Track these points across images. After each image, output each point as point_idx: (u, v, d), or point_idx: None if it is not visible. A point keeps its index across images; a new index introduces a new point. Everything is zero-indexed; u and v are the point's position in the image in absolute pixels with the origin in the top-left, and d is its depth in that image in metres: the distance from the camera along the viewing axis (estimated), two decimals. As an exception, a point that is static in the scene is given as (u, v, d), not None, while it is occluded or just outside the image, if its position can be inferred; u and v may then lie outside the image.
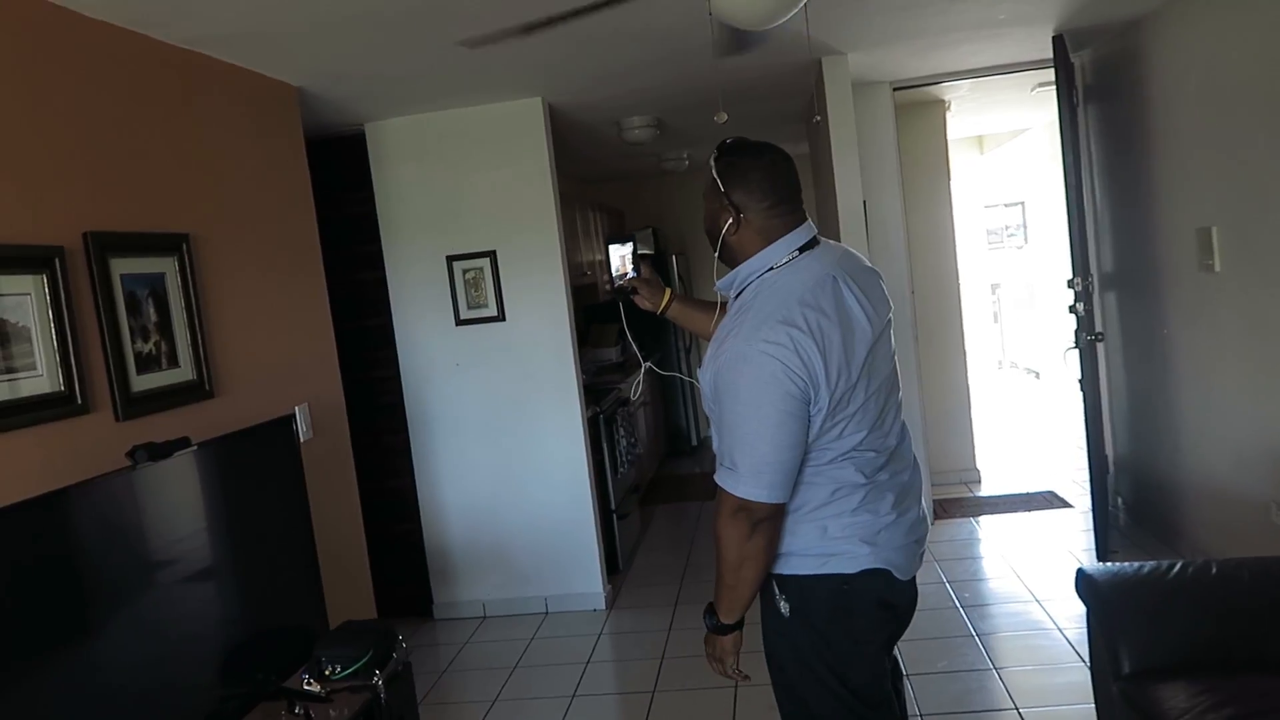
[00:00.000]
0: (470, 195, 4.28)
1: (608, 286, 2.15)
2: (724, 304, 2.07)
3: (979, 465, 5.84)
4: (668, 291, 2.19)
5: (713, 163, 1.75)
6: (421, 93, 3.88)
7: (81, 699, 1.73)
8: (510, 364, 4.32)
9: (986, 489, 5.64)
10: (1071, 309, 4.10)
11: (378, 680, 2.24)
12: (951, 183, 5.91)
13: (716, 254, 1.80)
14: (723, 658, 1.80)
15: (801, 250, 1.72)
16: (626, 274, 2.18)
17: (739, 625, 1.76)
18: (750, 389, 1.61)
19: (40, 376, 2.10)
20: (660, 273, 7.30)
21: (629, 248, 2.19)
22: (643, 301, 2.16)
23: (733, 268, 1.79)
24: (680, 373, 7.37)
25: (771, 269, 1.71)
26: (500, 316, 4.28)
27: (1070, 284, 4.10)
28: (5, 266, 2.02)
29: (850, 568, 1.70)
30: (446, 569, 4.47)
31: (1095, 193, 4.67)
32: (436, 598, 4.48)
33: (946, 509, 5.22)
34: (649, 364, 2.45)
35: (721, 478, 1.66)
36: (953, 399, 5.75)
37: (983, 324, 9.23)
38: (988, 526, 4.94)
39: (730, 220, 1.72)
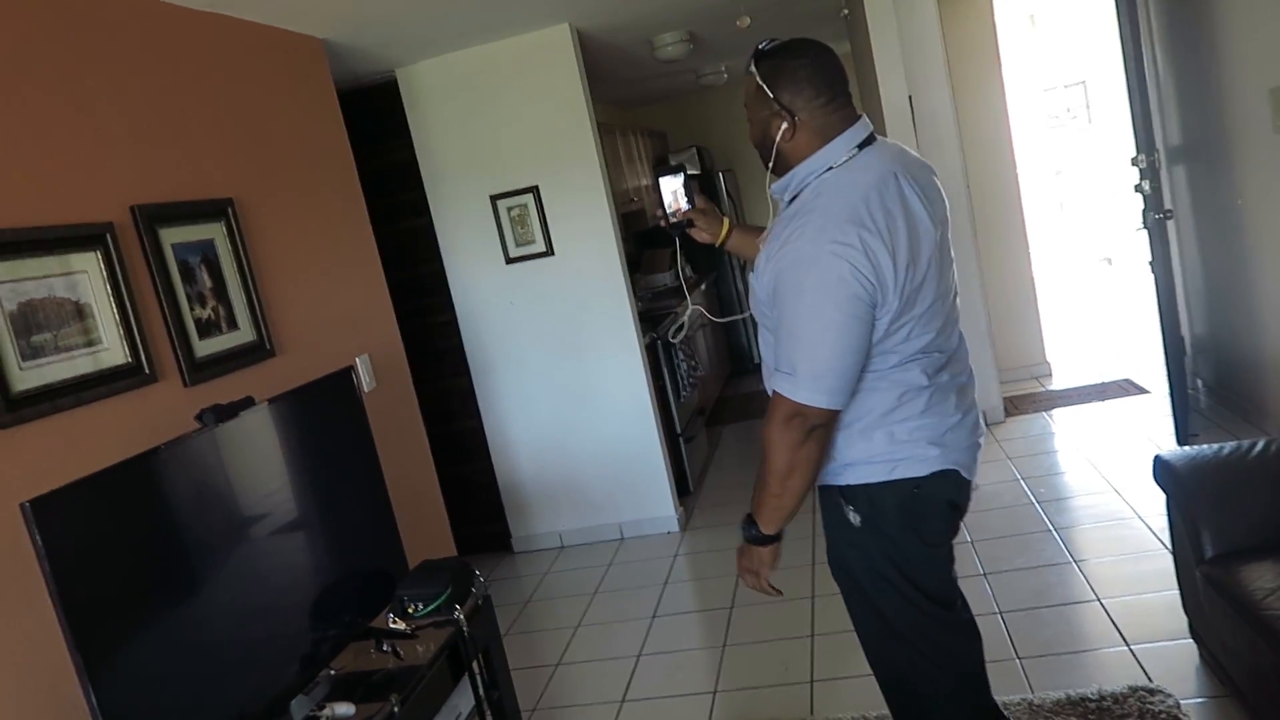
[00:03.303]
0: (507, 131, 4.24)
1: (662, 223, 2.10)
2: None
3: (1049, 359, 5.71)
4: (726, 221, 2.08)
5: (755, 69, 1.66)
6: (447, 32, 3.83)
7: (191, 651, 1.82)
8: (563, 298, 4.32)
9: (1058, 382, 5.51)
10: (1137, 188, 3.92)
11: (459, 615, 2.31)
12: (1003, 68, 5.65)
13: (770, 167, 1.72)
14: (759, 569, 1.74)
15: (860, 147, 1.65)
16: (680, 208, 2.04)
17: (779, 537, 1.72)
18: (816, 291, 1.56)
19: (107, 350, 2.17)
20: (708, 192, 7.24)
21: (679, 179, 2.04)
22: (700, 234, 2.05)
23: (785, 172, 1.73)
24: (735, 313, 7.24)
25: (831, 168, 1.64)
26: (549, 251, 4.27)
27: (1134, 161, 3.92)
28: (60, 247, 2.08)
29: (920, 470, 1.68)
30: (521, 504, 4.57)
31: (1157, 61, 4.42)
32: (514, 532, 4.60)
33: (1017, 405, 5.13)
34: (697, 307, 2.38)
35: (778, 383, 1.61)
36: (1018, 293, 5.60)
37: (1047, 212, 8.91)
38: (1061, 420, 4.84)
39: (785, 125, 1.64)
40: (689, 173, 2.07)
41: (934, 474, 1.69)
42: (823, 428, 1.62)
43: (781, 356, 1.61)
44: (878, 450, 1.68)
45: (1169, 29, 4.24)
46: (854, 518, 1.72)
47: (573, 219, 4.26)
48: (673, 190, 2.03)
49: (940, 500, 1.72)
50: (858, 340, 1.57)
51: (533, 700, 3.04)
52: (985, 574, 3.26)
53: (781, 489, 1.65)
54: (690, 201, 2.03)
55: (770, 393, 1.66)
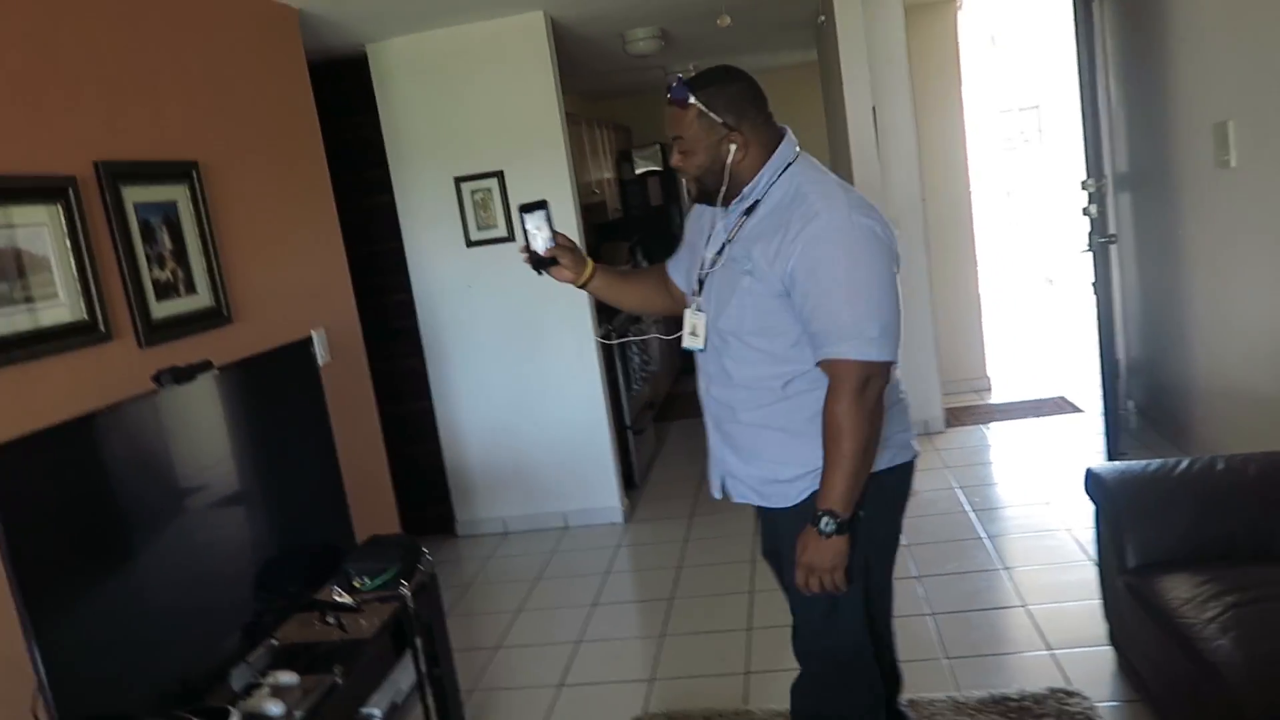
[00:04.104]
0: (476, 115, 4.24)
1: (524, 258, 1.98)
2: (661, 273, 2.09)
3: (990, 373, 5.87)
4: (589, 263, 2.00)
5: (695, 101, 1.71)
6: (422, 9, 3.81)
7: (134, 614, 1.81)
8: (522, 284, 4.32)
9: (997, 396, 5.67)
10: (1085, 211, 4.06)
11: (406, 591, 2.33)
12: (963, 87, 5.80)
13: (724, 191, 1.77)
14: (840, 564, 1.71)
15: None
16: (542, 246, 1.91)
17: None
18: (865, 251, 1.65)
19: (62, 306, 2.14)
20: (670, 190, 7.27)
21: (542, 214, 1.90)
22: (562, 273, 1.96)
23: (737, 194, 1.78)
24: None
25: (789, 164, 1.75)
26: (510, 237, 4.27)
27: (1083, 185, 4.06)
28: (20, 198, 2.05)
29: (908, 455, 1.83)
30: (467, 488, 4.57)
31: (1110, 90, 4.57)
32: (459, 515, 4.60)
33: (958, 416, 5.27)
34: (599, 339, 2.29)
35: (845, 349, 1.64)
36: (964, 307, 5.75)
37: (996, 231, 9.14)
38: (998, 433, 4.99)
39: (736, 147, 1.72)
40: (549, 211, 1.94)
41: (914, 457, 1.86)
42: (885, 385, 1.70)
43: (839, 325, 1.64)
44: (884, 435, 1.75)
45: (1123, 60, 4.40)
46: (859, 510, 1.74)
47: (536, 206, 4.26)
48: (535, 226, 1.91)
49: (909, 485, 1.88)
50: (899, 297, 1.69)
51: (472, 681, 3.05)
52: (919, 577, 3.36)
53: (863, 464, 1.67)
54: (552, 239, 1.92)
55: (810, 370, 1.72)
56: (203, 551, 2.08)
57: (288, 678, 1.98)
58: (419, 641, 2.34)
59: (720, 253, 1.81)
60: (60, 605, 1.63)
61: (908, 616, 3.03)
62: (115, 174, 2.33)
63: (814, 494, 1.74)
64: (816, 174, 1.76)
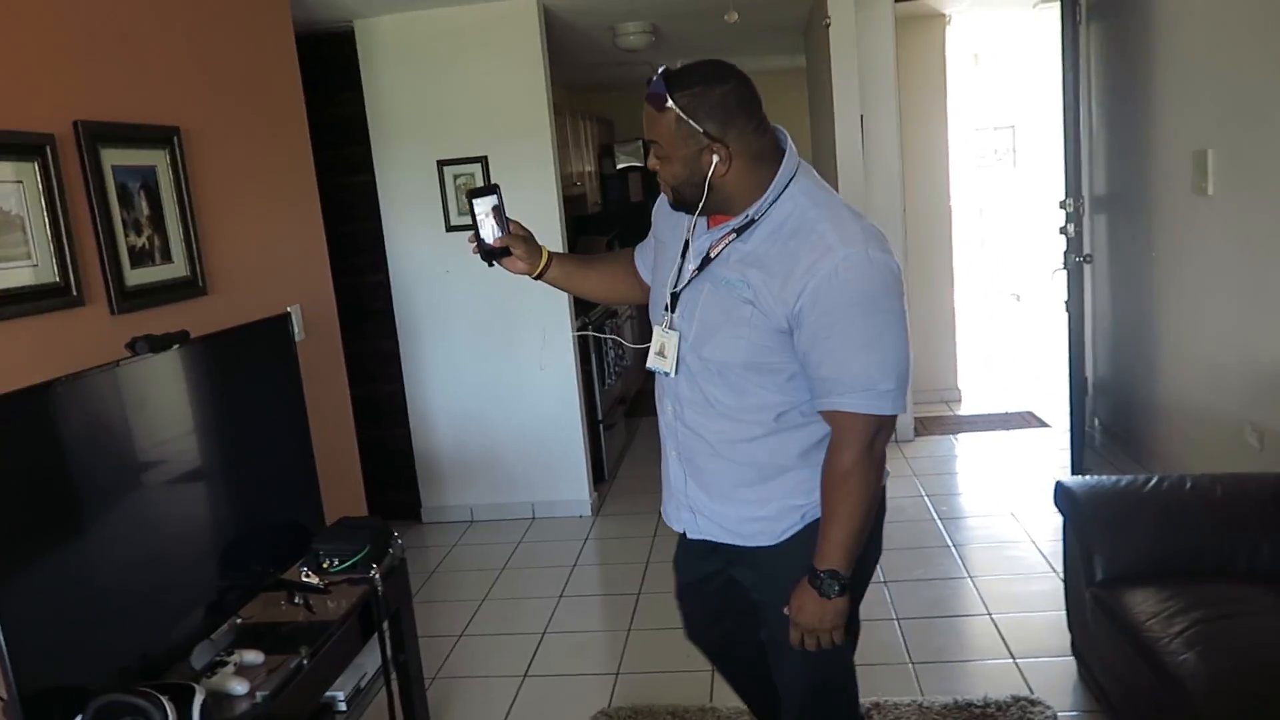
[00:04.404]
0: (462, 99, 4.20)
1: (473, 250, 1.83)
2: (625, 256, 1.96)
3: (960, 385, 5.93)
4: (544, 251, 1.85)
5: (672, 104, 1.49)
6: (413, -11, 3.77)
7: (95, 588, 1.76)
8: (501, 272, 4.26)
9: (966, 408, 5.73)
10: (1062, 230, 4.12)
11: (375, 574, 2.29)
12: (948, 102, 5.85)
13: (700, 208, 1.58)
14: (841, 622, 1.62)
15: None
16: (493, 234, 1.77)
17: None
18: (885, 295, 1.50)
19: (34, 267, 2.08)
20: (650, 186, 7.27)
21: (492, 200, 1.76)
22: (515, 264, 1.81)
23: (725, 212, 1.60)
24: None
25: (792, 180, 1.57)
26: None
27: (1062, 204, 4.11)
28: (-4, 153, 1.99)
29: (885, 478, 1.70)
30: (435, 474, 4.53)
31: (1092, 114, 4.63)
32: (425, 501, 4.56)
33: (927, 426, 5.32)
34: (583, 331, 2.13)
35: (866, 403, 1.51)
36: (938, 320, 5.80)
37: (969, 247, 9.24)
38: (966, 444, 5.04)
39: (718, 159, 1.51)
40: (501, 196, 1.79)
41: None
42: (890, 437, 1.61)
43: (849, 376, 1.50)
44: None
45: (1106, 83, 4.46)
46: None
47: (519, 194, 4.21)
48: (485, 213, 1.76)
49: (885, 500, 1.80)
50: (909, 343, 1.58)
51: (435, 668, 3.02)
52: (885, 582, 3.38)
53: (869, 519, 1.58)
54: (504, 227, 1.77)
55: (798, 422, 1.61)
56: (167, 526, 2.03)
57: (253, 656, 1.94)
58: (386, 626, 2.31)
59: (701, 269, 1.62)
60: (16, 575, 1.58)
61: (874, 620, 3.04)
62: (94, 134, 2.27)
63: (800, 532, 1.65)
64: (822, 195, 1.58)
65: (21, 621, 1.54)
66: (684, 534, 1.83)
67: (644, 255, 1.92)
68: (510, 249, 1.78)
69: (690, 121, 1.50)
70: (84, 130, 2.23)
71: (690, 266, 1.65)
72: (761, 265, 1.54)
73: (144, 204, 2.46)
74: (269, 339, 2.43)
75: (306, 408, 2.54)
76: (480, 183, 4.21)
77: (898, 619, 3.12)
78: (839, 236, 1.49)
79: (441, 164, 4.23)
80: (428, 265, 4.35)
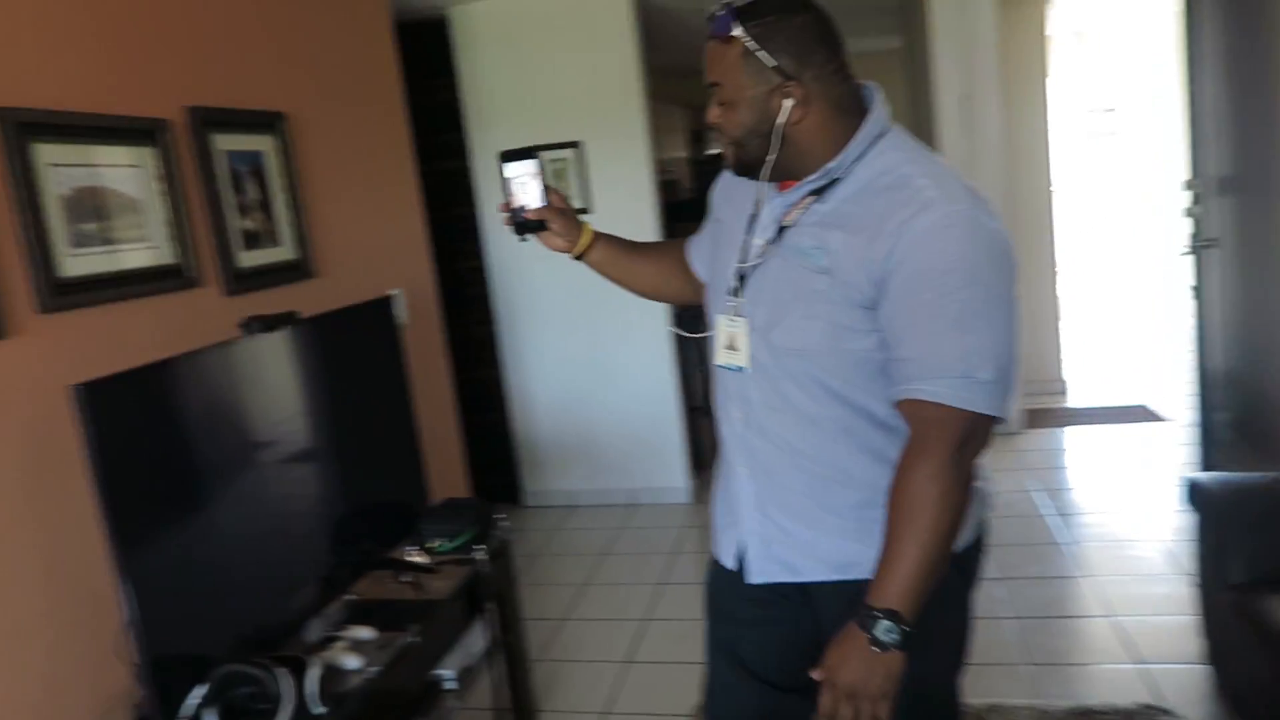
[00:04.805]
0: (556, 84, 4.18)
1: (504, 222, 1.59)
2: (679, 245, 1.69)
3: (1065, 376, 5.68)
4: (587, 228, 1.60)
5: (740, 33, 1.24)
6: (511, -27, 3.75)
7: (214, 560, 1.79)
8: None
9: (1074, 400, 5.49)
10: (1188, 212, 3.88)
11: (480, 555, 2.28)
12: (1049, 80, 5.59)
13: (767, 168, 1.30)
14: (891, 690, 1.22)
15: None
16: (530, 204, 1.54)
17: None
18: (993, 266, 1.22)
19: (153, 248, 2.12)
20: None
21: (531, 165, 1.53)
22: (553, 240, 1.57)
23: (797, 175, 1.32)
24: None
25: (882, 136, 1.30)
26: (586, 209, 4.21)
27: (1188, 185, 3.88)
28: (114, 138, 2.03)
29: (981, 524, 1.42)
30: (535, 458, 4.54)
31: (1211, 89, 4.36)
32: (526, 485, 4.58)
33: (1034, 419, 5.10)
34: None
35: (958, 394, 1.18)
36: (1042, 307, 5.56)
37: (1073, 231, 8.89)
38: (1077, 437, 4.82)
39: (793, 102, 1.25)
40: (546, 158, 1.61)
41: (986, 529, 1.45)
42: (984, 451, 1.27)
43: (940, 356, 1.20)
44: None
45: (1229, 55, 4.19)
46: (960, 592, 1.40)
47: (613, 179, 4.20)
48: (521, 180, 1.53)
49: (981, 566, 1.47)
50: (1018, 333, 1.27)
51: (540, 650, 3.02)
52: (997, 579, 3.24)
53: (943, 551, 1.22)
54: (543, 197, 1.54)
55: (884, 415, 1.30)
56: (281, 502, 2.05)
57: (365, 632, 1.95)
58: (491, 607, 2.30)
59: (775, 241, 1.34)
60: (146, 545, 1.60)
61: (988, 619, 2.92)
62: (206, 120, 2.30)
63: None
64: (922, 153, 1.31)
65: (150, 590, 1.57)
66: (739, 572, 1.46)
67: (699, 246, 1.64)
68: (547, 222, 1.55)
69: (761, 54, 1.24)
70: (195, 116, 2.26)
71: (759, 241, 1.36)
72: (843, 225, 1.26)
73: (253, 188, 2.50)
74: (374, 321, 2.44)
75: (411, 389, 2.55)
76: (566, 161, 4.19)
77: (1011, 618, 2.98)
78: (941, 192, 1.22)
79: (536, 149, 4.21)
80: (524, 251, 4.30)
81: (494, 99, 4.26)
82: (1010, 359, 1.23)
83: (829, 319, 1.26)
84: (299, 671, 1.66)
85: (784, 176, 1.34)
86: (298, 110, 2.71)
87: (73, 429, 1.51)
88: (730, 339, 1.39)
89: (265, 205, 2.55)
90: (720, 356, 1.41)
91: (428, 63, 4.24)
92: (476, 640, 2.32)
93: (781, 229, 1.34)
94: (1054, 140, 5.69)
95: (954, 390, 1.19)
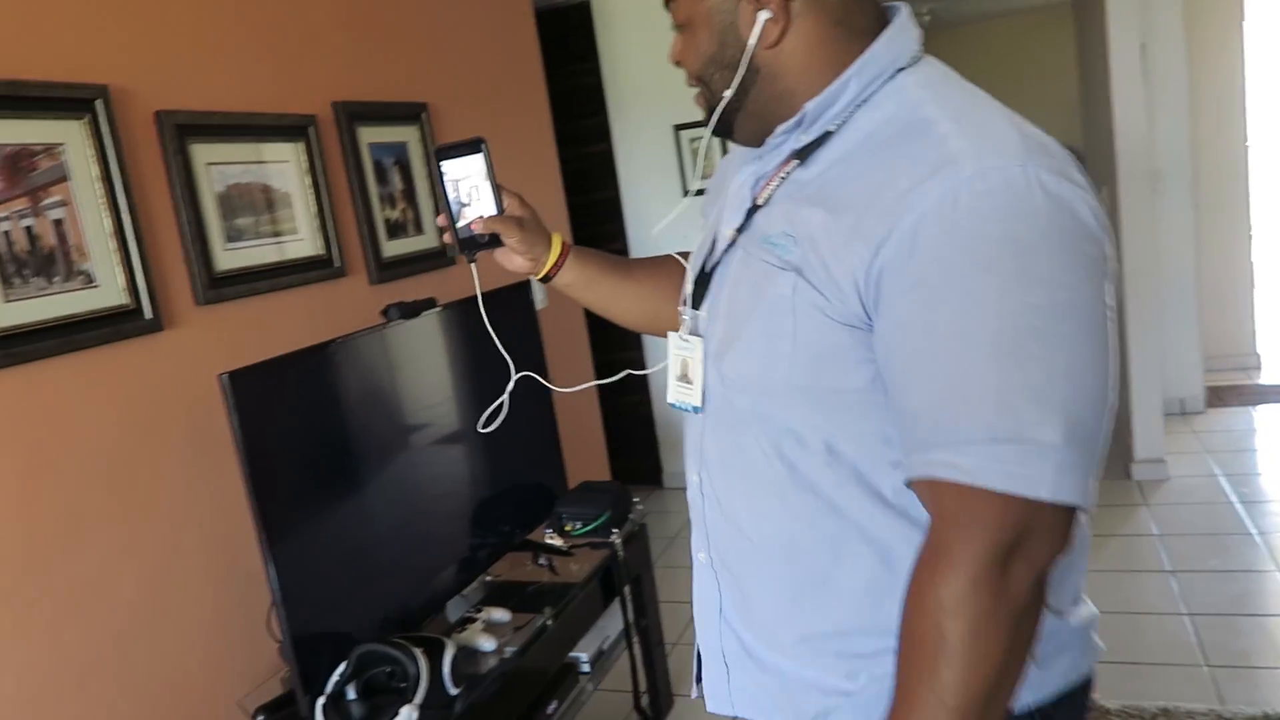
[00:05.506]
0: (696, 60, 4.12)
1: (444, 237, 1.17)
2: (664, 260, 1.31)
3: (1259, 350, 5.18)
4: (556, 240, 1.21)
5: None
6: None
7: (358, 541, 1.86)
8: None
9: (1268, 376, 4.99)
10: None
11: (616, 539, 2.28)
12: (1245, 26, 5.07)
13: (726, 98, 0.93)
14: None
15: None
16: (476, 213, 1.15)
17: None
18: (1064, 255, 0.76)
19: (302, 240, 2.22)
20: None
21: (477, 162, 1.14)
22: (510, 258, 1.18)
23: (763, 126, 0.94)
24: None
25: (900, 70, 0.88)
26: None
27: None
28: (267, 135, 2.13)
29: (1087, 665, 0.95)
30: (676, 440, 4.53)
31: None
32: (665, 467, 4.57)
33: (1221, 396, 4.68)
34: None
35: (998, 469, 0.75)
36: (1233, 274, 5.08)
37: (1273, 190, 8.06)
38: (1270, 417, 4.38)
39: (766, 15, 0.88)
40: (489, 157, 1.15)
41: (1091, 672, 0.96)
42: (1055, 560, 0.79)
43: (968, 407, 0.76)
44: (1050, 628, 0.86)
45: None
46: None
47: (755, 155, 4.11)
48: (463, 181, 1.15)
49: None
50: (1115, 363, 0.80)
51: (676, 635, 3.01)
52: (1172, 572, 2.99)
53: (983, 710, 0.77)
54: (496, 203, 1.15)
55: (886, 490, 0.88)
56: (422, 485, 2.11)
57: (500, 614, 1.99)
58: (627, 590, 2.30)
59: (743, 228, 0.95)
60: (292, 526, 1.68)
61: (1160, 615, 2.70)
62: (352, 114, 2.39)
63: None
64: (955, 91, 0.88)
65: (295, 570, 1.64)
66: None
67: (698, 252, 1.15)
68: (500, 236, 1.14)
69: None
70: (342, 110, 2.35)
71: (726, 229, 0.98)
72: (825, 199, 0.86)
73: (397, 178, 2.58)
74: (512, 305, 2.48)
75: (549, 373, 2.57)
76: (700, 144, 4.12)
77: (1189, 614, 2.74)
78: (969, 143, 0.79)
79: (678, 128, 4.18)
80: (665, 231, 4.30)
81: (633, 79, 4.24)
82: (1096, 406, 0.77)
83: (798, 340, 0.85)
84: (436, 652, 1.70)
85: (766, 127, 0.94)
86: (440, 100, 2.77)
87: (225, 416, 1.59)
88: (683, 366, 0.99)
89: (409, 195, 2.63)
90: (671, 391, 1.01)
91: (570, 47, 4.27)
92: (612, 624, 2.33)
93: (753, 209, 0.95)
94: (1251, 91, 5.16)
95: (991, 463, 0.74)
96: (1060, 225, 0.77)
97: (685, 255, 1.19)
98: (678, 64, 1.00)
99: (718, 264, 0.99)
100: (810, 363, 0.85)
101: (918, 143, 0.82)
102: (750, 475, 0.93)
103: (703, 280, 1.01)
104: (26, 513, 1.56)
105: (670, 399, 1.02)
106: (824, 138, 0.90)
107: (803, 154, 0.91)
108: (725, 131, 0.97)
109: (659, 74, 4.18)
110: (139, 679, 1.71)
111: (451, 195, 1.15)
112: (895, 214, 0.78)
